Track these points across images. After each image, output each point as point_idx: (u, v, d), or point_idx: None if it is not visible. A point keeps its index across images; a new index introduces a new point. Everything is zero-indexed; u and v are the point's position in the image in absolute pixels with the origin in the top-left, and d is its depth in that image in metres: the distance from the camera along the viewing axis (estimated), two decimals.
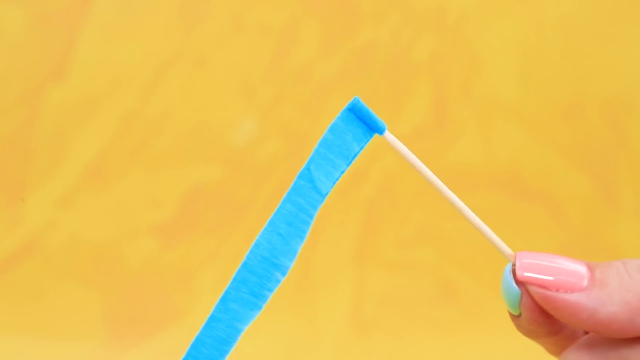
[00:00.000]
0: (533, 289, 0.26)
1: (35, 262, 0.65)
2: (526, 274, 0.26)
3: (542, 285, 0.25)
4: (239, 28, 0.67)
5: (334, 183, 0.27)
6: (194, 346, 0.26)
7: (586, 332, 0.27)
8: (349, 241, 0.67)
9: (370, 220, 0.68)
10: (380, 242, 0.67)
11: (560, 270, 0.25)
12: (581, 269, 0.25)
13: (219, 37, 0.67)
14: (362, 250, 0.67)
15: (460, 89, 0.68)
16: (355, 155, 0.27)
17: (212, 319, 0.26)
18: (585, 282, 0.25)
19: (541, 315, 0.26)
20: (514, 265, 0.26)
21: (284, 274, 0.26)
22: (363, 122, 0.27)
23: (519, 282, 0.26)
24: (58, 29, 0.66)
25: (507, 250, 0.27)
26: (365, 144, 0.27)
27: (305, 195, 0.27)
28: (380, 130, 0.27)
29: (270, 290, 0.26)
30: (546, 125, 0.68)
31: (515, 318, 0.27)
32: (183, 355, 0.26)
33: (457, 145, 0.68)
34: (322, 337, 0.65)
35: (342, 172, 0.27)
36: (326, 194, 0.27)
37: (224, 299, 0.26)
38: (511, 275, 0.26)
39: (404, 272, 0.67)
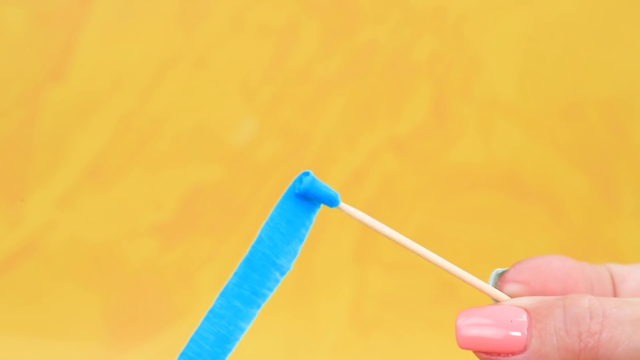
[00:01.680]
0: (477, 354, 0.27)
1: (35, 262, 0.65)
2: (470, 331, 0.27)
3: (483, 352, 0.26)
4: (239, 28, 0.67)
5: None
6: (194, 340, 0.25)
7: None
8: (349, 241, 0.67)
9: None
10: (380, 242, 0.67)
11: (498, 324, 0.26)
12: (521, 319, 0.26)
13: (219, 37, 0.67)
14: (362, 250, 0.67)
15: (460, 89, 0.68)
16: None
17: (214, 314, 0.25)
18: (525, 333, 0.26)
19: None
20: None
21: (282, 274, 0.26)
22: (316, 198, 0.27)
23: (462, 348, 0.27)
24: (58, 29, 0.66)
25: (499, 294, 0.28)
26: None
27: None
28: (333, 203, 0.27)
29: (270, 289, 0.26)
30: (546, 125, 0.68)
31: None
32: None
33: (457, 145, 0.68)
34: (322, 337, 0.65)
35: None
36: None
37: (225, 295, 0.26)
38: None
39: (404, 272, 0.67)
